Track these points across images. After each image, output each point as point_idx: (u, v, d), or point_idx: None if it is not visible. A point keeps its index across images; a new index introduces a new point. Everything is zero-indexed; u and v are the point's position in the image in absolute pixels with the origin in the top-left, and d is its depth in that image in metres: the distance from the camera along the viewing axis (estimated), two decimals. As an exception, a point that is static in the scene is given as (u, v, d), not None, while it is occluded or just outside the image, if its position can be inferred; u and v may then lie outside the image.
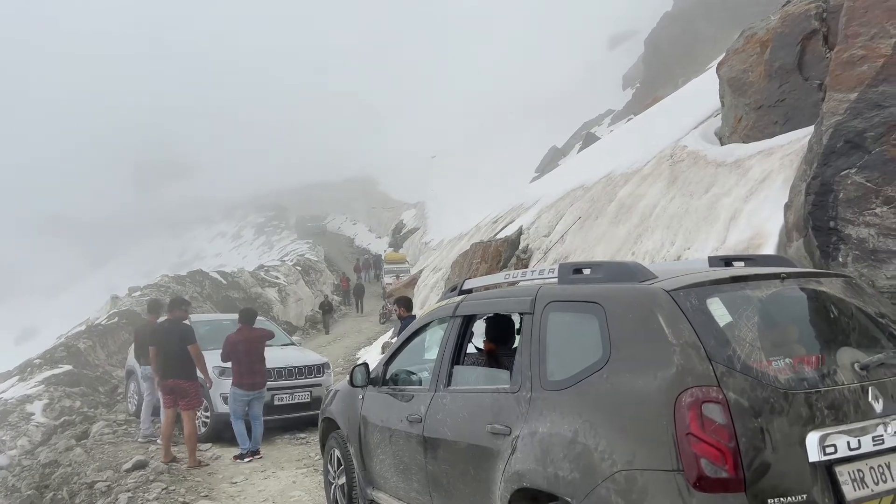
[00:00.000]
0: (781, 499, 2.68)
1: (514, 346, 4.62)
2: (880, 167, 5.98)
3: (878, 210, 5.96)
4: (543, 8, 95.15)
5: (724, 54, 11.31)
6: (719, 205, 9.16)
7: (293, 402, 10.47)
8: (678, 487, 2.71)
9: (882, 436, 2.87)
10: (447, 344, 4.49)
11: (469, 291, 4.81)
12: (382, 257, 47.77)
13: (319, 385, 10.79)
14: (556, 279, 3.86)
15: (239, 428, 8.86)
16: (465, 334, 4.48)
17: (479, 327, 5.50)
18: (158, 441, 9.21)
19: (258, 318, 13.54)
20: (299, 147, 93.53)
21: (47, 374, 16.44)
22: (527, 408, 3.52)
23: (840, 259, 6.11)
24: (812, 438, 2.76)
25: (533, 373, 3.58)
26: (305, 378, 10.85)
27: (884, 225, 5.85)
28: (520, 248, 14.08)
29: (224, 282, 29.84)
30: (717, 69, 11.20)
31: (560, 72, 75.40)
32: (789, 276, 3.29)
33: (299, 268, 39.22)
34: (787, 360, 2.95)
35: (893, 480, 2.86)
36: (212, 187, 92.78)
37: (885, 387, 2.98)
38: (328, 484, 6.01)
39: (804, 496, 2.70)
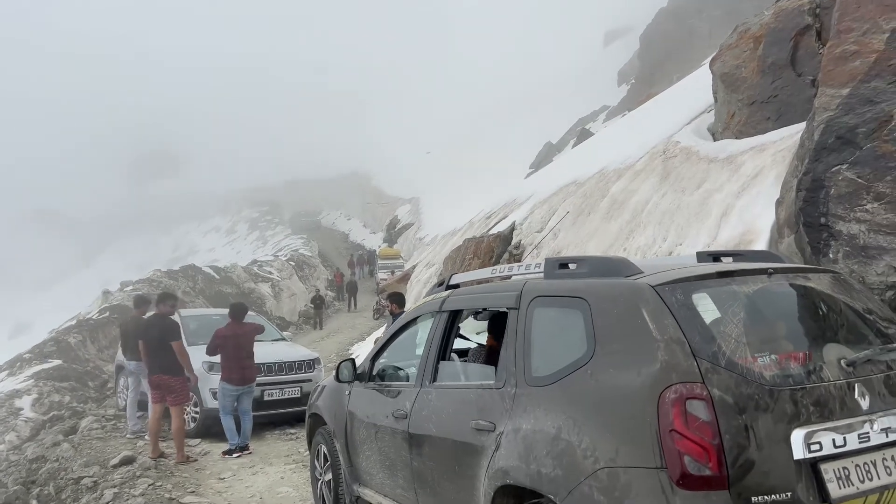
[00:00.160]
0: (765, 497, 2.64)
1: None
2: (871, 163, 5.95)
3: (868, 206, 5.93)
4: (539, 4, 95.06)
5: (717, 50, 11.29)
6: (711, 201, 9.14)
7: (283, 397, 10.42)
8: (661, 485, 2.67)
9: (868, 433, 2.84)
10: (433, 339, 4.44)
11: (456, 286, 4.76)
12: (376, 253, 47.69)
13: (310, 380, 10.73)
14: (542, 274, 3.82)
15: (228, 423, 8.81)
16: (451, 330, 4.44)
17: (477, 322, 5.47)
18: (147, 436, 9.15)
19: (248, 313, 13.56)
20: (294, 142, 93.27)
21: (37, 368, 16.33)
22: (511, 404, 3.48)
23: (831, 255, 6.09)
24: (797, 436, 2.72)
25: (517, 369, 3.54)
26: (296, 373, 10.80)
27: (874, 221, 5.83)
28: (512, 243, 14.04)
29: (217, 277, 29.73)
30: (711, 64, 11.17)
31: (555, 68, 75.29)
32: (776, 271, 3.25)
33: (293, 263, 39.13)
34: (773, 357, 2.91)
35: (879, 478, 2.83)
36: (206, 182, 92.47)
37: (871, 383, 2.94)
38: (315, 480, 5.97)
39: (788, 494, 2.67)
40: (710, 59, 11.55)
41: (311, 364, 11.08)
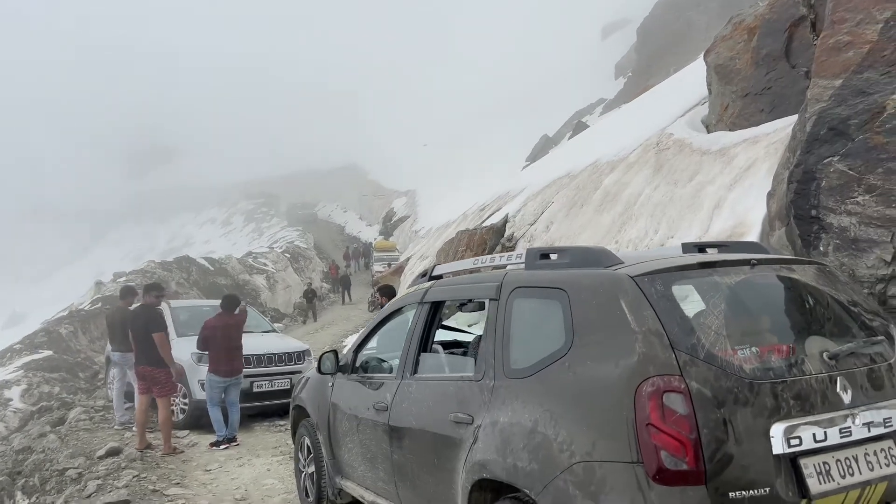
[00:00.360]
0: (743, 492, 2.58)
1: None
2: (863, 155, 5.89)
3: (860, 198, 5.88)
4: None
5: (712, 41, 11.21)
6: (703, 193, 9.07)
7: (273, 388, 10.36)
8: (637, 480, 2.61)
9: (849, 428, 2.78)
10: (415, 331, 4.38)
11: (440, 277, 4.70)
12: (372, 245, 47.60)
13: (300, 372, 10.67)
14: (523, 265, 3.75)
15: (215, 414, 8.75)
16: (433, 321, 4.37)
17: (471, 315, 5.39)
18: (135, 427, 9.08)
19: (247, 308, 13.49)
20: (290, 134, 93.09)
21: (27, 359, 16.25)
22: (489, 396, 3.42)
23: (821, 248, 6.03)
24: (777, 430, 2.66)
25: (496, 360, 3.47)
26: (286, 365, 10.74)
27: (865, 214, 5.77)
28: (505, 235, 13.97)
29: (211, 268, 29.65)
30: (705, 56, 11.10)
31: (553, 61, 75.12)
32: (759, 262, 3.18)
33: (288, 255, 39.05)
34: (754, 349, 2.84)
35: (861, 474, 2.77)
36: (202, 174, 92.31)
37: (854, 377, 2.88)
38: (298, 472, 5.91)
39: (767, 489, 2.61)
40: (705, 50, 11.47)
41: (301, 356, 11.02)
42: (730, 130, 10.07)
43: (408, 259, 24.81)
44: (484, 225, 15.60)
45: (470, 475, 3.38)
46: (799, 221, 6.21)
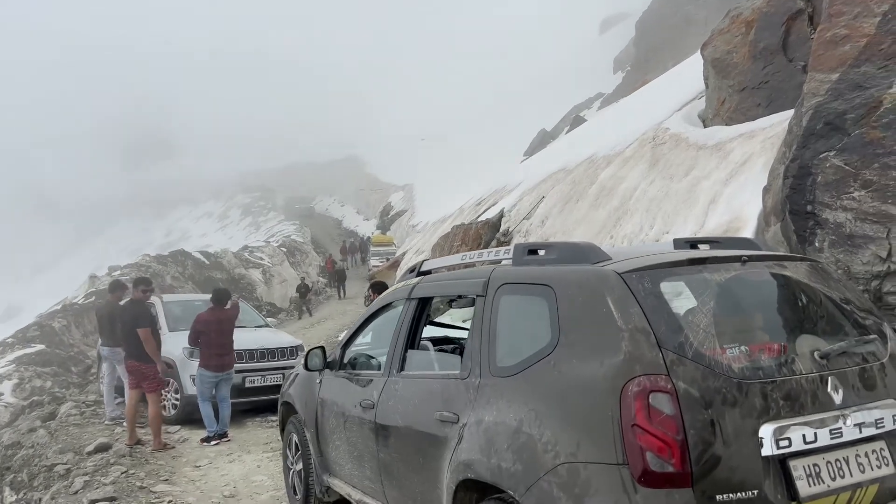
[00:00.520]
0: (731, 495, 2.52)
1: None
2: (859, 150, 5.81)
3: (855, 194, 5.80)
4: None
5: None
6: (699, 188, 9.01)
7: (265, 384, 10.29)
8: (622, 482, 2.54)
9: (840, 429, 2.71)
10: (401, 327, 4.30)
11: (428, 273, 4.62)
12: (367, 239, 47.49)
13: (292, 367, 10.60)
14: (511, 261, 3.68)
15: (206, 410, 8.68)
16: (420, 317, 4.30)
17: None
18: (125, 423, 9.01)
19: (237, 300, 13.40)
20: (287, 128, 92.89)
21: (19, 353, 16.15)
22: (475, 395, 3.35)
23: (816, 244, 5.96)
24: (766, 431, 2.59)
25: (482, 358, 3.40)
26: (278, 360, 10.68)
27: (861, 209, 5.70)
28: (500, 230, 13.91)
29: (207, 262, 29.54)
30: (702, 50, 11.01)
31: (551, 55, 74.93)
32: (750, 258, 3.11)
33: (284, 249, 38.94)
34: (743, 348, 2.77)
35: (851, 476, 2.70)
36: (199, 167, 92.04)
37: (845, 377, 2.81)
38: (287, 469, 5.85)
39: (755, 492, 2.54)
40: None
41: (293, 351, 10.96)
42: (726, 125, 9.99)
43: (404, 253, 24.74)
44: (479, 220, 15.53)
45: (455, 475, 3.31)
46: (794, 217, 6.13)
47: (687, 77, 13.91)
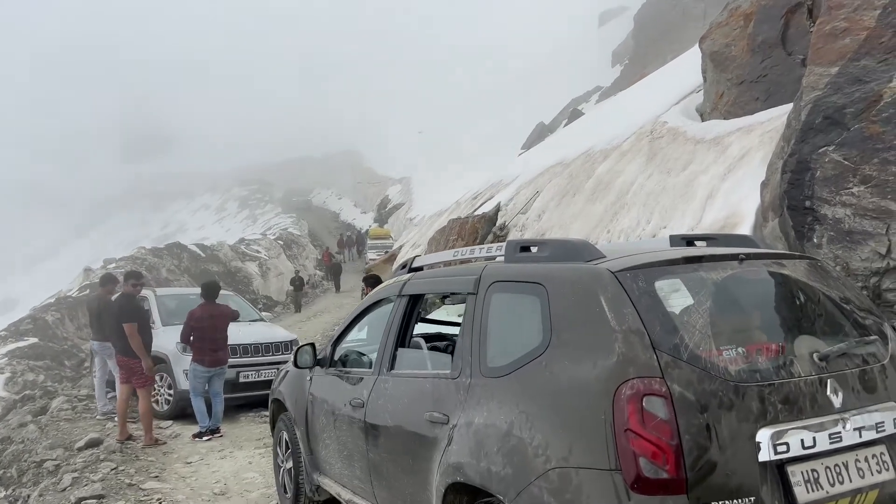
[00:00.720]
0: (727, 501, 2.43)
1: None
2: (859, 145, 5.74)
3: (855, 189, 5.73)
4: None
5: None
6: (696, 183, 8.93)
7: (259, 379, 10.21)
8: (615, 488, 2.46)
9: (840, 433, 2.63)
10: (392, 325, 4.22)
11: (420, 269, 4.54)
12: (364, 232, 47.39)
13: (287, 362, 10.53)
14: (503, 258, 3.59)
15: (198, 405, 8.60)
16: (411, 315, 4.21)
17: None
18: (117, 418, 8.93)
19: (226, 292, 13.29)
20: (284, 120, 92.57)
21: (11, 346, 16.04)
22: (465, 395, 3.27)
23: (815, 240, 5.89)
24: (763, 436, 2.51)
25: (473, 358, 3.32)
26: (273, 355, 10.61)
27: (860, 205, 5.62)
28: (497, 224, 13.82)
29: (203, 255, 29.40)
30: (700, 43, 10.92)
31: (549, 48, 74.63)
32: (748, 256, 3.02)
33: (281, 242, 38.80)
34: (740, 350, 2.68)
35: (851, 481, 2.63)
36: (195, 160, 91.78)
37: (845, 379, 2.73)
38: (277, 467, 5.77)
39: (752, 499, 2.46)
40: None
41: (288, 345, 10.87)
42: (724, 119, 9.91)
43: (400, 247, 24.65)
44: (476, 213, 15.44)
45: (444, 478, 3.23)
46: (792, 212, 6.06)
47: (685, 70, 13.81)
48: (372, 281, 8.95)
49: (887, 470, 2.71)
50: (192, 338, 8.55)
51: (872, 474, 2.67)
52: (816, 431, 2.59)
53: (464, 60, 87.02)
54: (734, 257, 2.98)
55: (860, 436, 2.67)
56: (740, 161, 8.39)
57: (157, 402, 9.77)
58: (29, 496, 6.70)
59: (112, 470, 6.88)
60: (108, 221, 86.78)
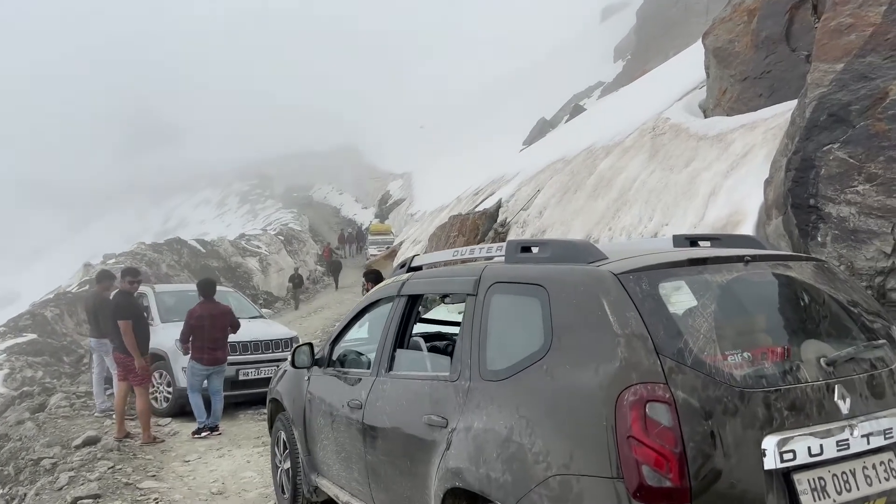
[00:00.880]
0: None
1: None
2: (864, 142, 5.66)
3: (860, 188, 5.66)
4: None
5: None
6: (699, 180, 8.85)
7: (259, 376, 10.16)
8: (617, 497, 2.40)
9: (847, 440, 2.56)
10: (390, 325, 4.15)
11: (419, 269, 4.47)
12: (365, 228, 47.31)
13: (286, 360, 10.47)
14: (503, 258, 3.53)
15: (195, 400, 8.55)
16: (410, 315, 4.15)
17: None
18: (115, 415, 8.88)
19: (231, 291, 13.24)
20: (285, 114, 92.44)
21: (10, 342, 15.99)
22: (464, 399, 3.20)
23: (819, 239, 5.83)
24: (769, 443, 2.45)
25: (472, 360, 3.26)
26: (272, 352, 10.56)
27: (865, 203, 5.55)
28: (498, 221, 13.75)
29: (203, 250, 29.35)
30: (703, 38, 10.83)
31: (551, 43, 74.47)
32: (754, 258, 2.95)
33: (282, 237, 38.75)
34: (746, 355, 2.61)
35: (858, 489, 2.56)
36: (196, 155, 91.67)
37: (853, 385, 2.66)
38: (275, 468, 5.72)
39: None
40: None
41: (288, 342, 10.82)
42: (727, 115, 9.83)
43: (401, 243, 24.58)
44: (477, 210, 15.36)
45: (443, 482, 3.17)
46: (796, 210, 5.99)
47: (688, 66, 13.72)
48: (373, 277, 8.88)
49: (895, 477, 2.65)
50: (191, 336, 8.49)
51: (880, 482, 2.61)
52: (823, 438, 2.53)
53: (466, 56, 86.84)
54: (740, 259, 2.92)
55: (868, 442, 2.61)
56: (743, 158, 8.32)
57: (155, 399, 9.73)
58: (25, 495, 6.65)
59: (109, 468, 6.83)
60: (109, 216, 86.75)
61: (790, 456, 2.46)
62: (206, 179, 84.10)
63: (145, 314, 9.27)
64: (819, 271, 3.09)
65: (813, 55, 6.55)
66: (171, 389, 9.81)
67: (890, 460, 2.67)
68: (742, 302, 2.94)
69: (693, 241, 3.65)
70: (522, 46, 78.46)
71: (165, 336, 9.84)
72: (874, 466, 2.62)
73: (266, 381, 10.10)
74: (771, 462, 2.44)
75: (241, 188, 76.70)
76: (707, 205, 8.36)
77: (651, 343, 2.50)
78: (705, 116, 10.72)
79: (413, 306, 4.16)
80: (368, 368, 4.38)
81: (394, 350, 4.06)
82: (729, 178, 8.29)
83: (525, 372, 2.89)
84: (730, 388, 2.46)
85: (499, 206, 14.32)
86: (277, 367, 10.15)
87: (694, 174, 9.07)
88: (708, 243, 3.59)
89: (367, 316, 4.89)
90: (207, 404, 8.70)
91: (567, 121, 35.78)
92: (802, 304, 2.99)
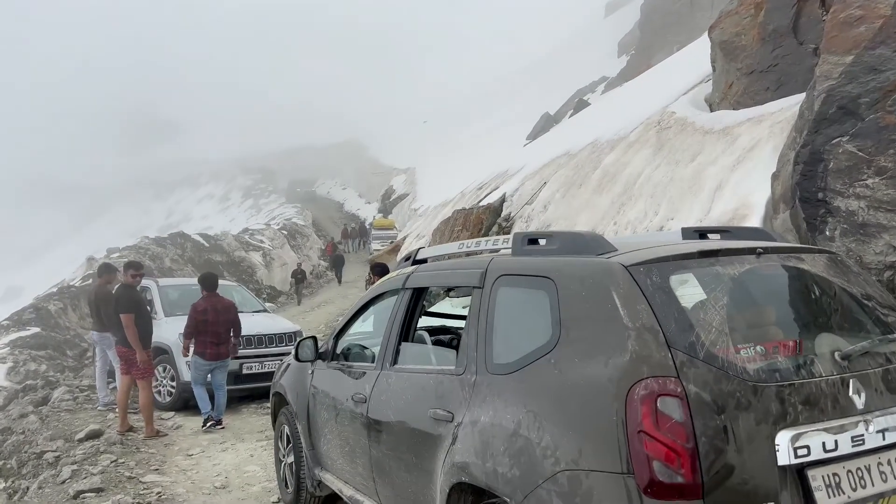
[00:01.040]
0: None
1: None
2: (874, 135, 5.61)
3: (869, 181, 5.60)
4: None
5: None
6: (705, 174, 8.79)
7: (263, 370, 10.14)
8: (627, 492, 2.35)
9: (862, 435, 2.51)
10: (395, 318, 4.11)
11: (424, 261, 4.42)
12: (368, 224, 47.27)
13: (290, 353, 10.44)
14: (510, 250, 3.48)
15: (199, 392, 8.53)
16: (415, 308, 4.10)
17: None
18: (118, 409, 8.86)
19: (235, 285, 13.21)
20: (289, 109, 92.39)
21: (14, 336, 15.99)
22: (470, 392, 3.16)
23: (827, 233, 5.77)
24: (783, 438, 2.39)
25: (478, 354, 3.21)
26: (276, 346, 10.55)
27: (875, 197, 5.50)
28: (502, 215, 13.69)
29: (206, 245, 29.34)
30: (710, 32, 10.75)
31: (555, 38, 74.35)
32: (766, 251, 2.90)
33: (285, 232, 38.73)
34: (759, 348, 2.57)
35: (874, 486, 2.51)
36: (199, 149, 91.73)
37: (867, 379, 2.61)
38: (278, 462, 5.69)
39: None
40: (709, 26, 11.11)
41: (292, 336, 10.80)
42: (734, 109, 9.76)
43: (405, 238, 24.54)
44: (481, 204, 15.31)
45: (448, 477, 3.13)
46: (804, 204, 5.93)
47: (693, 60, 13.64)
48: (380, 270, 8.83)
49: None
50: (195, 333, 8.44)
51: (895, 478, 2.56)
52: (838, 433, 2.48)
53: (469, 51, 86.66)
54: (752, 251, 2.86)
55: (883, 438, 2.55)
56: (750, 152, 8.25)
57: (158, 393, 9.71)
58: (28, 488, 6.63)
59: (112, 462, 6.80)
60: (112, 211, 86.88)
61: (804, 452, 2.41)
62: (210, 174, 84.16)
63: (148, 308, 9.25)
64: (832, 264, 3.03)
65: (822, 47, 6.49)
66: (174, 383, 9.80)
67: None
68: (754, 295, 2.88)
69: (702, 233, 3.60)
70: (526, 41, 78.33)
71: (169, 330, 9.83)
72: (889, 462, 2.57)
73: (270, 375, 10.02)
74: (784, 458, 2.39)
75: (245, 183, 76.74)
76: (713, 199, 8.30)
77: (662, 336, 2.45)
78: (711, 110, 10.65)
79: (418, 299, 4.11)
80: (373, 362, 4.33)
81: (399, 343, 4.02)
82: (735, 172, 8.23)
83: (533, 365, 2.84)
84: (743, 383, 2.41)
85: (503, 200, 14.27)
86: (281, 360, 10.18)
87: (700, 168, 9.00)
88: (718, 236, 3.54)
89: (371, 309, 4.85)
90: (211, 397, 8.68)
91: (571, 115, 35.67)
92: (815, 297, 2.94)
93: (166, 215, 77.03)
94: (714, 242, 3.29)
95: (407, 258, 4.61)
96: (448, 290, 4.79)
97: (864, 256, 5.47)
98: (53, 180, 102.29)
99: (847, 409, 2.53)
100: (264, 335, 10.52)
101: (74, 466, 6.65)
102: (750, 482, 2.35)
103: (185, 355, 8.64)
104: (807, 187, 5.90)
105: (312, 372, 5.05)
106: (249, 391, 10.08)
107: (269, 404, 9.73)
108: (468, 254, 4.10)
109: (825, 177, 5.81)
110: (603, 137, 12.98)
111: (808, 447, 2.42)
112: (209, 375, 8.62)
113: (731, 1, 10.57)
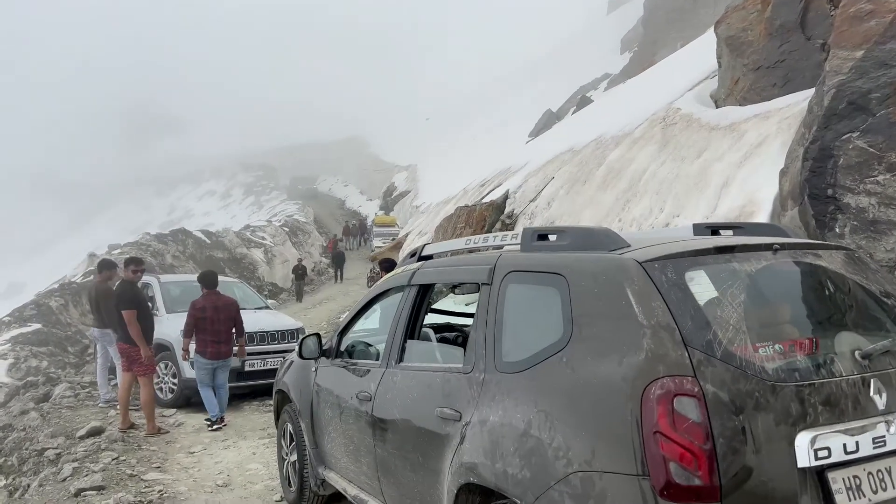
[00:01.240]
0: None
1: None
2: (885, 131, 5.54)
3: (880, 178, 5.53)
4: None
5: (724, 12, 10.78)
6: (711, 170, 8.72)
7: (265, 367, 10.07)
8: (642, 495, 2.28)
9: (884, 436, 2.44)
10: (401, 315, 4.04)
11: (429, 258, 4.35)
12: (370, 221, 47.23)
13: (293, 351, 10.37)
14: (519, 246, 3.40)
15: (206, 393, 8.42)
16: (420, 305, 4.03)
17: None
18: (119, 406, 8.80)
19: (236, 282, 13.13)
20: (290, 106, 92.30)
21: (15, 332, 15.93)
22: (479, 391, 3.09)
23: (837, 230, 5.70)
24: (802, 440, 2.33)
25: (487, 352, 3.14)
26: (278, 343, 10.47)
27: (885, 194, 5.43)
28: (505, 212, 13.63)
29: (208, 241, 29.28)
30: (716, 27, 10.68)
31: (558, 35, 74.19)
32: (783, 247, 2.83)
33: (287, 229, 38.68)
34: (777, 347, 2.49)
35: (894, 488, 2.45)
36: (201, 146, 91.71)
37: (889, 379, 2.54)
38: (281, 460, 5.63)
39: None
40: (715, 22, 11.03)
41: (294, 333, 10.73)
42: (740, 105, 9.69)
43: (406, 234, 24.47)
44: (484, 201, 15.24)
45: (456, 478, 3.06)
46: (814, 201, 5.86)
47: (698, 56, 13.56)
48: (387, 265, 8.71)
49: None
50: (195, 331, 8.35)
51: None
52: (859, 435, 2.41)
53: (471, 48, 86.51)
54: (768, 247, 2.79)
55: None
56: (757, 148, 8.18)
57: (160, 390, 9.65)
58: (29, 486, 6.56)
59: (113, 460, 6.74)
60: (114, 208, 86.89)
61: (824, 453, 2.34)
62: (211, 171, 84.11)
63: (149, 304, 9.18)
64: (850, 261, 2.96)
65: (831, 42, 6.41)
66: (176, 381, 9.73)
67: None
68: (772, 292, 2.81)
69: (714, 229, 3.53)
70: (529, 38, 78.16)
71: (171, 326, 9.75)
72: None
73: (272, 372, 9.98)
74: (804, 460, 2.32)
75: (246, 179, 76.71)
76: (719, 196, 8.22)
77: (678, 334, 2.38)
78: (717, 106, 10.58)
79: (424, 296, 4.04)
80: (378, 359, 4.26)
81: (404, 341, 3.95)
82: (742, 169, 8.15)
83: (543, 364, 2.77)
84: (761, 382, 2.34)
85: (506, 197, 14.20)
86: (284, 357, 10.11)
87: (706, 165, 8.93)
88: (730, 232, 3.47)
89: (376, 306, 4.79)
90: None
91: (574, 112, 35.56)
92: (834, 294, 2.86)
93: (168, 212, 77.02)
94: (731, 238, 3.21)
95: (412, 254, 4.53)
96: (453, 287, 4.71)
97: (874, 254, 5.40)
98: (55, 177, 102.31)
99: (868, 409, 2.46)
100: (266, 332, 10.44)
101: (75, 464, 6.59)
102: (769, 485, 2.28)
103: (185, 358, 8.49)
104: (816, 184, 5.83)
105: (316, 369, 4.99)
106: (251, 388, 10.01)
107: (271, 402, 9.73)
108: (474, 250, 4.02)
109: (835, 173, 5.74)
110: (607, 134, 12.91)
111: (828, 449, 2.35)
112: (212, 375, 8.53)
113: (737, -4, 10.50)
